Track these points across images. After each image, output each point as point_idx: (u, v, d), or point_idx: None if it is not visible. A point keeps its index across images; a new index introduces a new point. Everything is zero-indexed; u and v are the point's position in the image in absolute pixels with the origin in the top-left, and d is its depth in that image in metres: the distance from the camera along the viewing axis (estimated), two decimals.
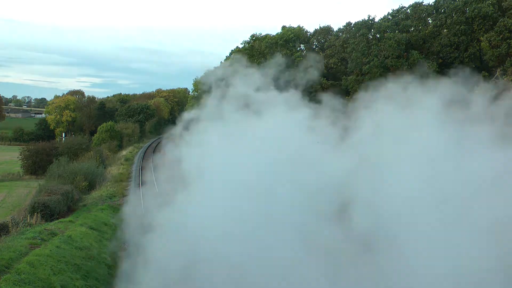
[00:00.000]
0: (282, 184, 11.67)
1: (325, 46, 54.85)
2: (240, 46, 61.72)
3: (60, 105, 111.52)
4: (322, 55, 52.74)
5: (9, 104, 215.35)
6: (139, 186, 39.58)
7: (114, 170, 53.24)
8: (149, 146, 75.61)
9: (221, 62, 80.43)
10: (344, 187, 11.89)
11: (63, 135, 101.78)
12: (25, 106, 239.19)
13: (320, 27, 58.22)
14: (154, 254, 11.57)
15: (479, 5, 39.69)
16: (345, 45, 49.60)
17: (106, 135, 79.29)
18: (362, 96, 14.41)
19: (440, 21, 43.71)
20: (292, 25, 59.43)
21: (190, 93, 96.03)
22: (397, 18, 45.87)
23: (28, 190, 44.37)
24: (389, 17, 47.02)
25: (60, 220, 26.77)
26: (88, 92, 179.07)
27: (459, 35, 40.79)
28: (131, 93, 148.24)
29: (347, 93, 42.26)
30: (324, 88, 48.62)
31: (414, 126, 12.05)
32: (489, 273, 9.77)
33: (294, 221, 11.18)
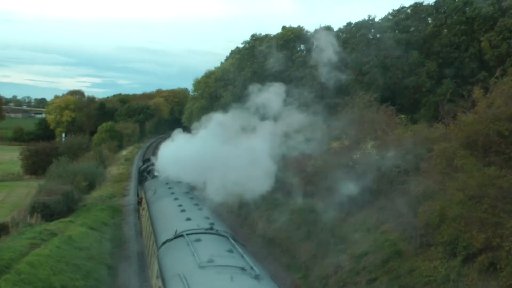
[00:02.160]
0: None
1: None
2: (241, 46, 61.73)
3: (60, 105, 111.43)
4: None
5: (9, 104, 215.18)
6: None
7: (114, 170, 53.24)
8: (149, 146, 75.48)
9: (221, 62, 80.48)
10: None
11: (63, 135, 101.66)
12: (25, 106, 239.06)
13: (320, 27, 58.13)
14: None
15: (479, 5, 39.64)
16: (345, 45, 49.54)
17: (106, 135, 79.23)
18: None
19: (440, 21, 43.66)
20: (292, 25, 59.42)
21: (190, 93, 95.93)
22: (397, 18, 45.84)
23: (28, 190, 44.33)
24: (389, 17, 46.97)
25: (60, 220, 26.72)
26: (88, 92, 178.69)
27: (459, 35, 40.73)
28: (131, 93, 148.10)
29: (347, 92, 42.14)
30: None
31: None
32: None
33: None
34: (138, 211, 27.63)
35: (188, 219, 14.99)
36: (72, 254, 18.91)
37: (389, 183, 21.91)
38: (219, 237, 13.34)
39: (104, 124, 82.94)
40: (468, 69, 40.62)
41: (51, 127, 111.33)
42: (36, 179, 50.91)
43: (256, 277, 10.19)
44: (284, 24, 64.63)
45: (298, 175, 29.74)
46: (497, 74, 25.27)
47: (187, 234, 12.94)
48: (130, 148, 76.23)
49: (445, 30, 43.01)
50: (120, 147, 78.11)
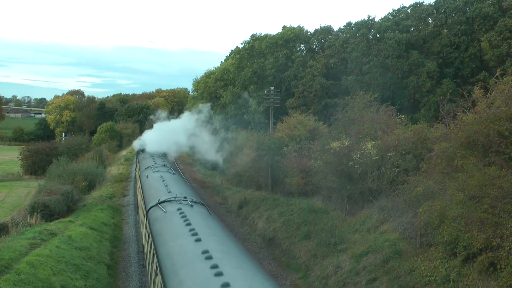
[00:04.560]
0: None
1: (325, 46, 54.76)
2: (240, 46, 61.71)
3: (60, 105, 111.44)
4: (322, 55, 52.69)
5: (9, 104, 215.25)
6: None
7: (114, 170, 53.20)
8: None
9: (221, 62, 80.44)
10: None
11: (63, 135, 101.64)
12: (25, 106, 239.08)
13: (320, 27, 58.16)
14: None
15: (479, 5, 39.64)
16: (345, 45, 49.57)
17: (106, 135, 79.21)
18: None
19: (441, 21, 43.65)
20: (293, 25, 59.43)
21: (190, 93, 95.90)
22: (397, 18, 45.82)
23: (28, 190, 44.38)
24: (389, 17, 46.96)
25: (60, 220, 26.73)
26: (88, 92, 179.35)
27: (460, 35, 40.74)
28: (131, 93, 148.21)
29: (347, 92, 42.20)
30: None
31: None
32: None
33: None
34: (135, 168, 43.06)
35: (155, 162, 30.79)
36: (72, 254, 18.91)
37: (389, 183, 21.92)
38: (167, 167, 28.74)
39: (104, 124, 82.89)
40: (468, 69, 40.62)
41: (51, 127, 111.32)
42: (36, 179, 50.94)
43: (172, 173, 26.76)
44: (285, 24, 64.87)
45: (298, 175, 29.82)
46: (497, 74, 25.28)
47: (151, 166, 28.46)
48: (130, 148, 76.13)
49: (445, 30, 42.99)
50: (120, 147, 78.06)
